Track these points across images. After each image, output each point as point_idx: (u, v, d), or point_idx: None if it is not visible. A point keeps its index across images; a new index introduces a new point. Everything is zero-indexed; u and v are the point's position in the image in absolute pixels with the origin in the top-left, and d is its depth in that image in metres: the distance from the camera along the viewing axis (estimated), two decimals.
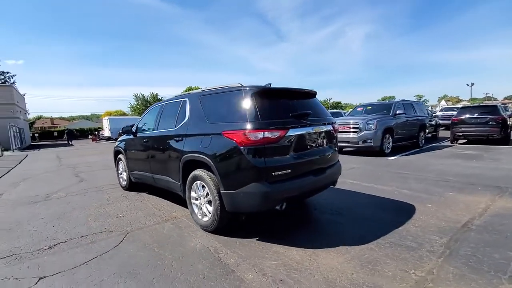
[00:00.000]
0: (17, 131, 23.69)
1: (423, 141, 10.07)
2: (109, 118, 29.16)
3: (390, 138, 8.35)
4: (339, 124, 8.37)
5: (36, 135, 41.78)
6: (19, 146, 23.39)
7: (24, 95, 35.27)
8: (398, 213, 3.59)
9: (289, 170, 2.85)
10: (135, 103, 51.34)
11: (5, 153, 17.89)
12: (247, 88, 2.97)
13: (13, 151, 19.92)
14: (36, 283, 2.35)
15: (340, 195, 4.48)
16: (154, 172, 4.30)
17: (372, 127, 7.88)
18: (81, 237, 3.31)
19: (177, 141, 3.61)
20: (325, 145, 3.39)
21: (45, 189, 6.02)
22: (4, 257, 2.86)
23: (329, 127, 3.44)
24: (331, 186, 3.68)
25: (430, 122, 11.86)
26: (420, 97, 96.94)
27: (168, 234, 3.26)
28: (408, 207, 3.76)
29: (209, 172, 3.07)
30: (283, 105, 3.09)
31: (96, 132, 35.19)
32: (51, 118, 77.02)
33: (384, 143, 8.08)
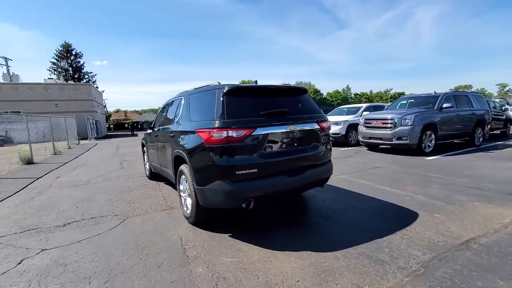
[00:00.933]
0: (94, 123, 27.76)
1: (481, 139, 8.57)
2: None
3: (433, 135, 7.35)
4: (372, 120, 7.73)
5: (111, 126, 48.30)
6: (95, 136, 27.42)
7: (103, 91, 41.00)
8: (394, 221, 3.23)
9: (256, 170, 2.82)
10: None
11: (82, 141, 21.24)
12: (220, 87, 3.01)
13: (89, 140, 23.51)
14: (37, 254, 2.86)
15: (341, 197, 4.22)
16: (161, 164, 4.68)
17: (409, 122, 7.04)
18: (90, 218, 3.84)
19: (171, 136, 3.86)
20: (306, 145, 3.23)
21: (91, 175, 7.05)
22: (29, 230, 3.51)
23: (313, 126, 3.26)
24: (320, 187, 3.52)
25: (497, 117, 10.01)
26: (504, 86, 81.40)
27: (157, 223, 3.55)
28: (410, 216, 3.35)
29: (189, 168, 3.24)
30: (256, 103, 3.04)
31: None
32: (125, 111, 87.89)
33: (423, 140, 7.16)
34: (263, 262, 2.49)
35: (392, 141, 7.33)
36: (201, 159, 2.94)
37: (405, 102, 9.03)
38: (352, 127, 9.62)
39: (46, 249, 2.95)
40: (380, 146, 8.17)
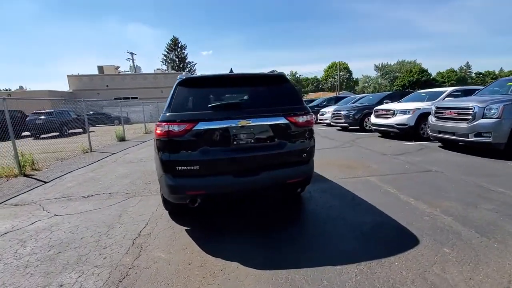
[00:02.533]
0: None
1: None
2: None
3: None
4: (444, 109, 6.05)
5: None
6: None
7: None
8: (376, 250, 2.50)
9: (197, 167, 2.65)
10: None
11: None
12: (179, 78, 2.91)
13: None
14: (48, 218, 3.58)
15: (340, 204, 3.53)
16: None
17: (495, 114, 5.11)
18: (109, 193, 4.51)
19: None
20: (267, 142, 2.80)
21: (147, 154, 8.19)
22: (64, 197, 4.41)
23: (278, 120, 2.78)
24: (300, 191, 3.03)
25: None
26: None
27: (146, 205, 3.85)
28: (406, 245, 2.51)
29: None
30: (212, 95, 2.80)
31: None
32: None
33: None
34: (187, 265, 2.38)
35: (468, 137, 5.51)
36: (155, 152, 2.98)
37: (511, 84, 6.59)
38: (426, 116, 7.70)
39: (56, 215, 3.65)
40: (460, 144, 6.30)
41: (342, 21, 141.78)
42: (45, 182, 5.45)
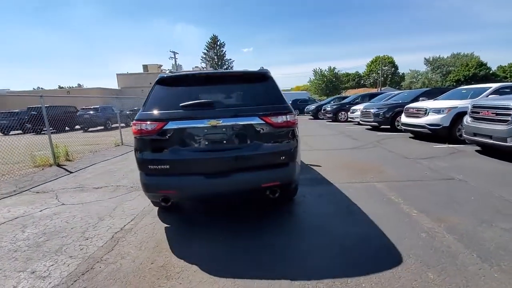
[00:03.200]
0: None
1: None
2: None
3: None
4: (481, 108, 5.29)
5: None
6: None
7: None
8: (346, 268, 2.24)
9: (167, 166, 2.63)
10: (314, 78, 54.08)
11: None
12: (158, 77, 2.93)
13: None
14: (56, 206, 3.90)
15: (330, 213, 3.26)
16: None
17: None
18: (116, 186, 4.78)
19: None
20: (240, 143, 2.67)
21: None
22: (78, 187, 4.78)
23: (252, 120, 2.63)
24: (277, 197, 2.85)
25: None
26: None
27: (141, 200, 3.97)
28: (380, 265, 2.21)
29: None
30: (186, 93, 2.76)
31: None
32: None
33: None
34: (149, 264, 2.40)
35: (506, 141, 4.71)
36: None
37: None
38: (463, 116, 6.76)
39: (63, 204, 3.97)
40: (498, 148, 5.42)
41: (388, 11, 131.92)
42: (70, 172, 5.98)
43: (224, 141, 2.65)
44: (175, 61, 51.00)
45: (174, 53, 51.16)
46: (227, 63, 64.38)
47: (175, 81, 2.86)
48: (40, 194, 4.54)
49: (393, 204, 3.36)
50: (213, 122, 2.58)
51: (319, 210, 3.31)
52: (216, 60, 63.81)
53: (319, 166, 5.40)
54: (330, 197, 3.70)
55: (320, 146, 7.74)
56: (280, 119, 2.69)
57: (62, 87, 60.25)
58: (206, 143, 2.64)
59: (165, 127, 2.59)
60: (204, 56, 64.38)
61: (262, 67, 3.22)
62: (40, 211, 3.74)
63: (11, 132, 16.89)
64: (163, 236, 2.88)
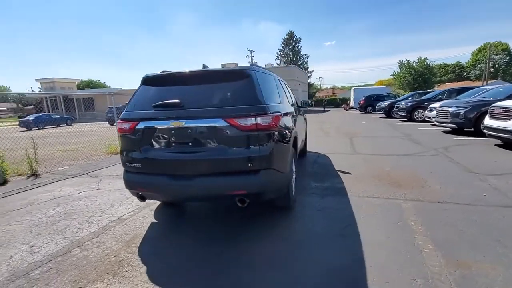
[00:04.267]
0: None
1: None
2: (354, 89, 30.63)
3: None
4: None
5: (312, 102, 53.72)
6: None
7: (312, 71, 46.35)
8: None
9: (139, 165, 2.71)
10: (399, 70, 47.65)
11: None
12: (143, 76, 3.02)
13: None
14: (92, 189, 4.55)
15: (314, 237, 2.80)
16: None
17: None
18: None
19: None
20: (205, 146, 2.52)
21: None
22: (117, 175, 5.46)
23: (215, 123, 2.45)
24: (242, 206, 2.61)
25: None
26: None
27: None
28: None
29: None
30: (163, 93, 2.76)
31: (348, 102, 38.43)
32: (333, 88, 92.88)
33: None
34: (112, 258, 2.54)
35: None
36: None
37: None
38: None
39: (98, 189, 4.61)
40: None
41: None
42: None
43: (189, 143, 2.55)
44: (251, 59, 53.13)
45: (251, 51, 53.17)
46: (302, 58, 63.27)
47: (156, 81, 2.89)
48: (92, 178, 5.37)
49: (407, 232, 2.65)
50: (176, 123, 2.52)
51: (309, 228, 2.88)
52: (291, 56, 63.40)
53: (349, 173, 4.73)
54: (332, 212, 3.18)
55: (366, 150, 6.79)
56: (249, 121, 2.43)
57: None
58: (173, 144, 2.61)
59: (137, 127, 2.67)
60: (280, 52, 64.85)
61: (255, 63, 2.97)
62: (79, 193, 4.43)
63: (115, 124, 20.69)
64: (143, 230, 3.00)
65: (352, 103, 31.22)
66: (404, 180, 4.22)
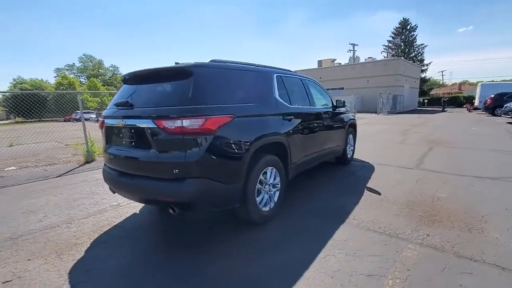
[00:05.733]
0: (390, 97, 28.21)
1: None
2: (481, 84, 23.80)
3: None
4: None
5: (425, 101, 45.21)
6: (389, 110, 27.83)
7: (428, 64, 39.72)
8: None
9: (104, 159, 2.94)
10: None
11: (369, 115, 23.07)
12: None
13: (377, 114, 24.68)
14: None
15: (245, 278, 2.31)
16: None
17: None
18: None
19: None
20: (140, 147, 2.48)
21: None
22: None
23: (145, 124, 2.36)
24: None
25: None
26: None
27: None
28: None
29: None
30: (123, 92, 2.87)
31: (473, 101, 30.19)
32: (461, 83, 75.18)
33: None
34: (78, 239, 2.87)
35: None
36: None
37: None
38: None
39: None
40: None
41: None
42: None
43: (131, 143, 2.57)
44: (353, 53, 49.21)
45: (353, 45, 49.40)
46: (416, 49, 54.10)
47: (125, 80, 2.96)
48: None
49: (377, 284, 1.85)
50: (120, 122, 2.58)
51: (232, 262, 2.41)
52: (402, 47, 55.12)
53: (378, 193, 3.73)
54: (293, 241, 2.56)
55: (437, 166, 5.13)
56: (175, 124, 2.22)
57: None
58: (122, 142, 2.69)
59: (104, 124, 2.88)
60: (389, 44, 57.35)
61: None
62: None
63: None
64: (120, 220, 3.24)
65: (476, 103, 24.44)
66: (450, 215, 2.99)
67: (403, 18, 55.73)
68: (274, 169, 3.02)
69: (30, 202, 3.91)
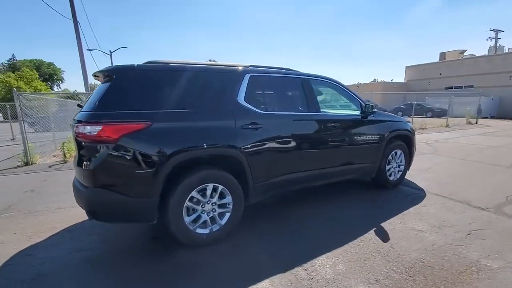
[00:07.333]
0: None
1: None
2: None
3: None
4: None
5: None
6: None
7: None
8: None
9: None
10: None
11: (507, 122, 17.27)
12: None
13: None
14: None
15: None
16: None
17: None
18: None
19: None
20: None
21: None
22: None
23: (78, 129, 2.31)
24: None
25: None
26: None
27: None
28: None
29: None
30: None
31: None
32: None
33: None
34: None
35: None
36: None
37: None
38: None
39: None
40: None
41: None
42: None
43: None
44: (496, 42, 38.07)
45: (496, 31, 38.16)
46: None
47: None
48: None
49: None
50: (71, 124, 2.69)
51: None
52: None
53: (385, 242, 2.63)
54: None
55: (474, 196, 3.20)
56: (82, 130, 2.17)
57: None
58: None
59: None
60: None
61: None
62: None
63: None
64: None
65: None
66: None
67: None
68: (221, 187, 2.55)
69: None
